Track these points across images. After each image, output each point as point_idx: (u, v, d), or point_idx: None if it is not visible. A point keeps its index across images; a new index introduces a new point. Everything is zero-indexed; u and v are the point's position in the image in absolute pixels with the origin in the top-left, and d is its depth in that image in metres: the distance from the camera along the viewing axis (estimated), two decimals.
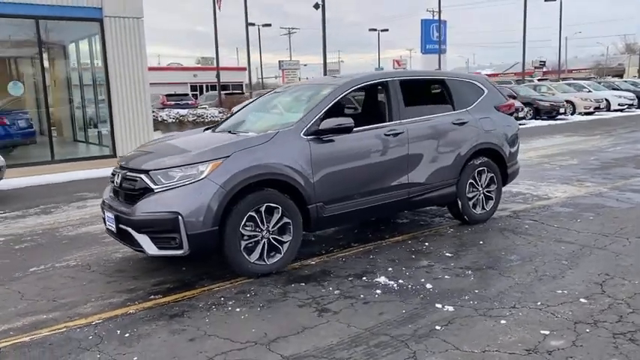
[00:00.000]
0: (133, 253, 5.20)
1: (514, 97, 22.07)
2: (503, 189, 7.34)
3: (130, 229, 4.36)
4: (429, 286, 4.23)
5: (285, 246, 4.61)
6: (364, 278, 4.44)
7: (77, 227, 6.58)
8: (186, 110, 19.56)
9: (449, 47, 49.28)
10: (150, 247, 4.31)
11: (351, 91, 5.29)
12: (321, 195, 4.78)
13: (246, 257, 4.42)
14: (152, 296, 4.22)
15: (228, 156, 4.38)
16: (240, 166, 4.37)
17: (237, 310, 3.89)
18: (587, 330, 3.39)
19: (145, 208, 4.29)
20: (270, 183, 4.54)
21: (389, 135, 5.21)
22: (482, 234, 5.62)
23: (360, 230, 5.96)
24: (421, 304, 3.89)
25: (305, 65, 55.97)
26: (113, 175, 4.90)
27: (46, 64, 15.33)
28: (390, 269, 4.63)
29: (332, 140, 4.86)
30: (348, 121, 4.82)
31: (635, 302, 3.77)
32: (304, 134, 4.75)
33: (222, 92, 29.15)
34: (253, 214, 4.42)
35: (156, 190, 4.32)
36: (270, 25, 45.42)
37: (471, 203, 5.91)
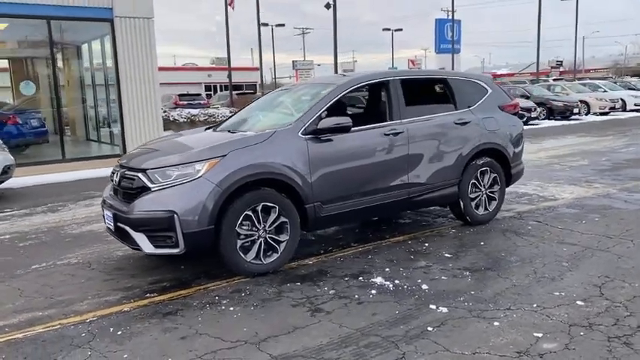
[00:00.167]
0: (133, 252, 5.23)
1: (527, 97, 21.90)
2: (509, 190, 7.29)
3: (127, 228, 4.39)
4: (424, 287, 4.19)
5: (282, 245, 4.61)
6: (360, 278, 4.42)
7: (82, 225, 6.64)
8: (198, 110, 19.67)
9: (464, 47, 49.03)
10: (147, 246, 4.34)
11: (350, 91, 5.27)
12: (318, 194, 4.77)
13: (243, 256, 4.43)
14: (148, 294, 4.24)
15: (225, 155, 4.39)
16: (237, 165, 4.37)
17: (231, 309, 3.90)
18: (582, 333, 3.34)
19: (141, 207, 4.32)
20: (267, 182, 4.54)
21: (388, 134, 5.18)
22: (483, 235, 5.57)
23: (360, 230, 5.94)
24: (415, 305, 3.86)
25: (319, 65, 55.96)
26: (113, 173, 4.94)
27: (60, 64, 15.58)
28: (387, 269, 4.61)
29: (330, 140, 4.84)
30: (346, 121, 4.81)
31: (634, 305, 3.71)
32: (302, 133, 4.74)
33: (234, 92, 29.26)
34: (250, 213, 4.42)
35: (153, 189, 4.34)
36: (283, 25, 45.54)
37: (473, 204, 5.85)
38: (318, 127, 4.76)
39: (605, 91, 25.59)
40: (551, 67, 50.56)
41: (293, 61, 41.46)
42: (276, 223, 4.57)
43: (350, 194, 4.98)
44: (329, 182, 4.82)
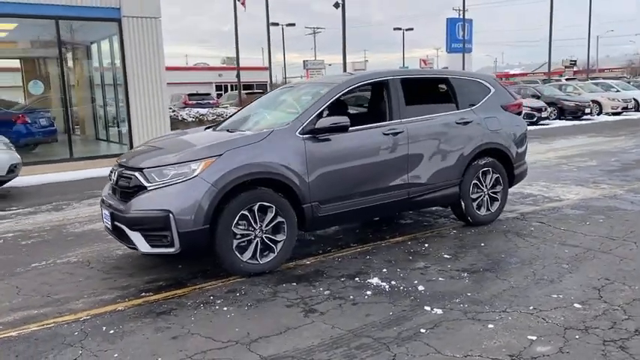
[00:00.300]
0: (132, 251, 5.22)
1: (538, 97, 21.70)
2: (514, 190, 7.23)
3: (123, 227, 4.40)
4: (421, 288, 4.15)
5: (279, 245, 4.59)
6: (357, 279, 4.39)
7: (84, 224, 6.67)
8: (206, 110, 19.71)
9: (476, 46, 48.79)
10: (142, 245, 4.34)
11: (349, 91, 5.24)
12: (316, 194, 4.75)
13: (239, 256, 4.41)
14: (143, 293, 4.24)
15: (221, 154, 4.38)
16: (233, 164, 4.36)
17: (225, 309, 3.88)
18: (577, 336, 3.28)
19: (138, 206, 4.32)
20: (263, 182, 4.53)
21: (388, 134, 5.15)
22: (484, 236, 5.51)
23: (361, 230, 5.90)
24: (410, 306, 3.82)
25: (330, 65, 55.87)
26: (111, 172, 4.95)
27: (70, 63, 15.72)
28: (384, 270, 4.57)
29: (328, 139, 4.81)
30: (343, 120, 4.78)
31: (632, 309, 3.64)
32: (300, 133, 4.72)
33: (244, 92, 29.31)
34: (246, 212, 4.40)
35: (149, 188, 4.34)
36: (294, 24, 45.51)
37: (475, 204, 5.79)
38: (316, 126, 4.74)
39: (617, 90, 25.27)
40: (565, 67, 50.04)
41: (304, 61, 41.52)
42: (273, 223, 4.55)
43: (348, 194, 4.95)
44: (327, 182, 4.79)
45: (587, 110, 21.94)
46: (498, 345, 3.21)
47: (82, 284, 4.53)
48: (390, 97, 5.34)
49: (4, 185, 8.99)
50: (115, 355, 3.26)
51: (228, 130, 5.29)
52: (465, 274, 4.42)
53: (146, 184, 4.36)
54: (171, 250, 4.28)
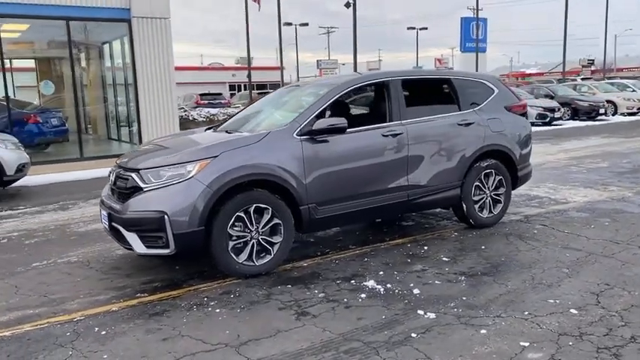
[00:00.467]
0: (132, 251, 5.24)
1: (551, 97, 21.46)
2: (520, 192, 7.16)
3: (120, 227, 4.42)
4: (416, 291, 4.11)
5: (276, 247, 4.57)
6: (352, 282, 4.36)
7: (88, 224, 6.72)
8: (217, 109, 19.79)
9: (491, 45, 48.40)
10: (138, 246, 4.35)
11: (348, 92, 5.21)
12: (314, 196, 4.72)
13: (234, 258, 4.40)
14: (138, 294, 4.25)
15: (217, 156, 4.37)
16: (228, 166, 4.35)
17: (217, 310, 3.88)
18: (570, 343, 3.22)
19: (134, 207, 4.33)
20: (260, 183, 4.51)
21: (387, 136, 5.10)
22: (485, 238, 5.44)
23: (360, 232, 5.87)
24: (403, 310, 3.79)
25: (343, 65, 55.81)
26: (110, 173, 4.98)
27: (83, 64, 15.89)
28: (381, 273, 4.53)
29: (326, 141, 4.79)
30: (340, 122, 4.74)
31: (630, 315, 3.56)
32: (297, 134, 4.70)
33: (255, 91, 29.38)
34: (242, 214, 4.39)
35: (145, 189, 4.36)
36: (307, 24, 45.55)
37: (477, 206, 5.72)
38: (313, 128, 4.71)
39: (633, 90, 24.86)
40: (582, 66, 49.41)
41: (317, 61, 41.58)
42: (270, 225, 4.53)
43: (346, 196, 4.91)
44: (324, 184, 4.76)
45: (602, 110, 21.61)
46: (489, 351, 3.17)
47: (80, 284, 4.55)
48: (390, 98, 5.30)
49: (14, 184, 9.10)
50: (105, 356, 3.27)
51: (227, 131, 5.29)
52: (462, 278, 4.37)
53: (142, 185, 4.37)
54: (166, 251, 4.29)
